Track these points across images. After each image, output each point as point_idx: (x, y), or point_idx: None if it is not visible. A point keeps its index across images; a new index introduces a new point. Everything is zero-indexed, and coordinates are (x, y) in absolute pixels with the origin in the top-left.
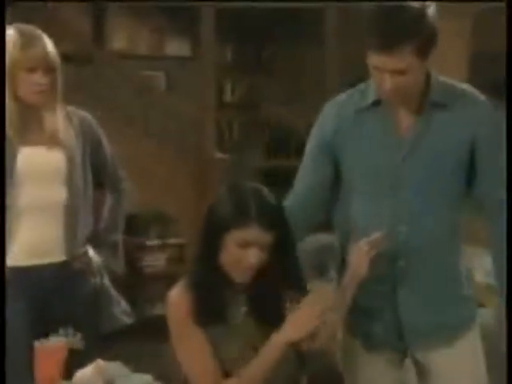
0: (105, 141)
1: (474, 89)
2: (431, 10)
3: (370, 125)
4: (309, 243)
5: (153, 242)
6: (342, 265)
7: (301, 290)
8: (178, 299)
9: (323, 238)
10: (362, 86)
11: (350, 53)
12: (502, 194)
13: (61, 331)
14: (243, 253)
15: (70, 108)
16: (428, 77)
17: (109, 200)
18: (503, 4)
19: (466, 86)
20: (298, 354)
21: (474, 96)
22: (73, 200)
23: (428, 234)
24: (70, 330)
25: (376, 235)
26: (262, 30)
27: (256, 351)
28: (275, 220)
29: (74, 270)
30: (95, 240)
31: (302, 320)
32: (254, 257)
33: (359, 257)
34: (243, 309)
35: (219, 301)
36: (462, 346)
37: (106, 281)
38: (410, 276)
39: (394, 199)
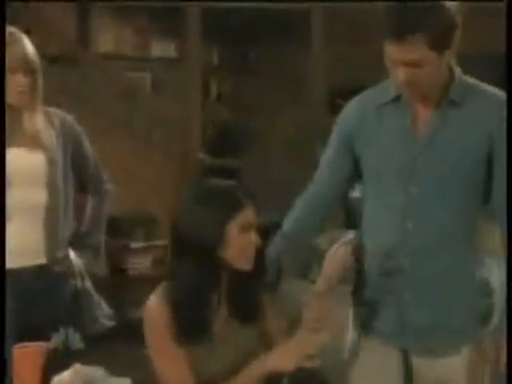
0: (86, 142)
1: (497, 90)
2: (450, 3)
3: (388, 120)
4: None
5: (138, 243)
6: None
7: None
8: (156, 313)
9: None
10: (385, 82)
11: (336, 53)
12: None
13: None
14: (247, 237)
15: (51, 109)
16: (452, 74)
17: (91, 202)
18: (494, 4)
19: (489, 87)
20: None
21: (496, 97)
22: (54, 202)
23: (436, 233)
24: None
25: (346, 237)
26: (249, 30)
27: (239, 357)
28: (256, 205)
29: (55, 272)
30: (77, 242)
31: (290, 356)
32: (256, 237)
33: (332, 261)
34: (224, 313)
35: (204, 310)
36: (464, 355)
37: (88, 283)
38: (415, 273)
39: (405, 194)
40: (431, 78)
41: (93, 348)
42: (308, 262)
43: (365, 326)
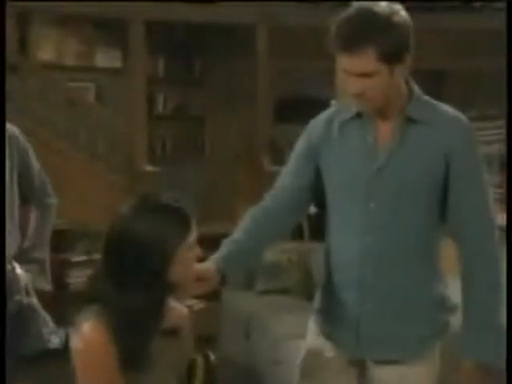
0: (32, 155)
1: (454, 109)
2: (400, 18)
3: (351, 136)
4: None
5: (79, 257)
6: (272, 275)
7: None
8: (94, 341)
9: None
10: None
11: (279, 67)
12: (475, 213)
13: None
14: (193, 253)
15: None
16: (410, 92)
17: (35, 215)
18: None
19: (446, 106)
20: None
21: (453, 116)
22: None
23: (395, 248)
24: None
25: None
26: (194, 43)
27: (170, 375)
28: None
29: None
30: (21, 256)
31: None
32: (198, 249)
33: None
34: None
35: (148, 335)
36: (418, 367)
37: (34, 300)
38: (375, 286)
39: (365, 209)
40: (381, 89)
41: (31, 366)
42: (253, 273)
43: (324, 334)
